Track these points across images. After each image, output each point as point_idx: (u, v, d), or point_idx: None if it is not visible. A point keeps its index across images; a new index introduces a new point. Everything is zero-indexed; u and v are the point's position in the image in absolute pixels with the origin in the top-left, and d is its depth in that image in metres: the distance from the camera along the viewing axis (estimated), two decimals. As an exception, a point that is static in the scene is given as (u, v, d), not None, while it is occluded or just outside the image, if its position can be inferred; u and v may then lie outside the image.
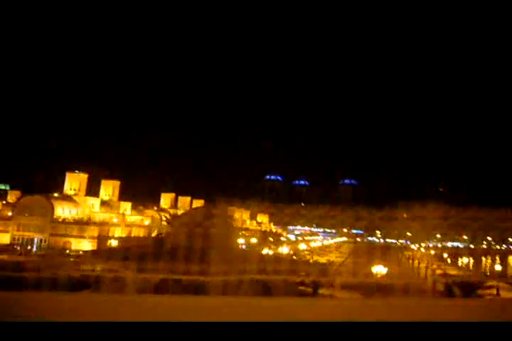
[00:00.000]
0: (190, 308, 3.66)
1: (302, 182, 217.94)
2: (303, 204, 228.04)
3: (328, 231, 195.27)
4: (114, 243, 75.26)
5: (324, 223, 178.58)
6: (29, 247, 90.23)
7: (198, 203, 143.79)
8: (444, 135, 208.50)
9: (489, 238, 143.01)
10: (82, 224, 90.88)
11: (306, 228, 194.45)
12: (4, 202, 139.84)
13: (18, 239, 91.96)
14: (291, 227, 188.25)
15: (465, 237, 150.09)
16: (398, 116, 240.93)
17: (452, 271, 68.11)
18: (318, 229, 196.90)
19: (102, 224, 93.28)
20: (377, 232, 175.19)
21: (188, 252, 41.19)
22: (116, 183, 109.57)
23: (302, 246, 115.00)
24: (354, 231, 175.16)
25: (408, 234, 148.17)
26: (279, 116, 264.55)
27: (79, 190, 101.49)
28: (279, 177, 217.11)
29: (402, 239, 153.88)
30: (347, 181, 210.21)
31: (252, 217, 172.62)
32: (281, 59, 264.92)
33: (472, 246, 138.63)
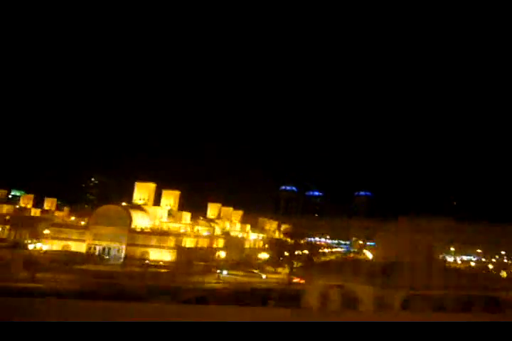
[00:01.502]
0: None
1: (316, 193, 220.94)
2: (317, 215, 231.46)
3: (343, 242, 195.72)
4: (222, 255, 75.78)
5: (339, 234, 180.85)
6: (106, 257, 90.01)
7: (237, 214, 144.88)
8: (459, 148, 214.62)
9: (503, 252, 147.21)
10: (161, 234, 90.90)
11: (323, 240, 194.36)
12: (41, 210, 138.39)
13: (94, 248, 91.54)
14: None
15: (479, 251, 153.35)
16: (414, 128, 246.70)
17: None
18: (333, 241, 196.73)
19: (178, 234, 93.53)
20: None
21: (408, 267, 43.05)
22: (177, 193, 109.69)
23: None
24: (368, 243, 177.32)
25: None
26: (295, 129, 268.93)
27: (148, 200, 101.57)
28: (293, 188, 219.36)
29: None
30: (362, 192, 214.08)
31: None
32: (299, 73, 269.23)
33: (484, 259, 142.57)
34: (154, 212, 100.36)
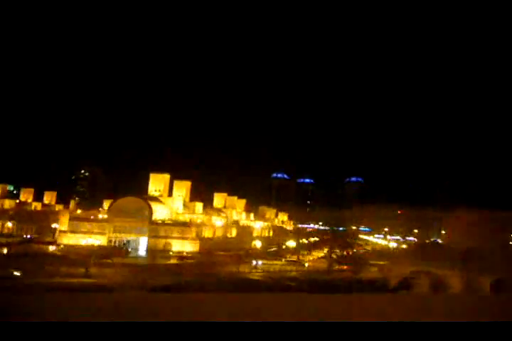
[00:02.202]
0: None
1: (308, 180, 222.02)
2: (309, 201, 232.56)
3: (336, 229, 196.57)
4: (258, 244, 75.79)
5: (332, 221, 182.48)
6: (130, 249, 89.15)
7: (241, 203, 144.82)
8: (449, 133, 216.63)
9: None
10: (183, 225, 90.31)
11: (316, 226, 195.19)
12: (41, 204, 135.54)
13: (114, 242, 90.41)
14: (300, 225, 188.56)
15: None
16: (404, 113, 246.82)
17: None
18: (326, 227, 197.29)
19: (199, 225, 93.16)
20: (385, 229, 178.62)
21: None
22: (188, 184, 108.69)
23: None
24: (362, 228, 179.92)
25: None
26: (285, 115, 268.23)
27: (163, 191, 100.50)
28: (285, 176, 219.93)
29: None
30: (353, 178, 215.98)
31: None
32: (286, 59, 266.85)
33: None
34: (170, 203, 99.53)
